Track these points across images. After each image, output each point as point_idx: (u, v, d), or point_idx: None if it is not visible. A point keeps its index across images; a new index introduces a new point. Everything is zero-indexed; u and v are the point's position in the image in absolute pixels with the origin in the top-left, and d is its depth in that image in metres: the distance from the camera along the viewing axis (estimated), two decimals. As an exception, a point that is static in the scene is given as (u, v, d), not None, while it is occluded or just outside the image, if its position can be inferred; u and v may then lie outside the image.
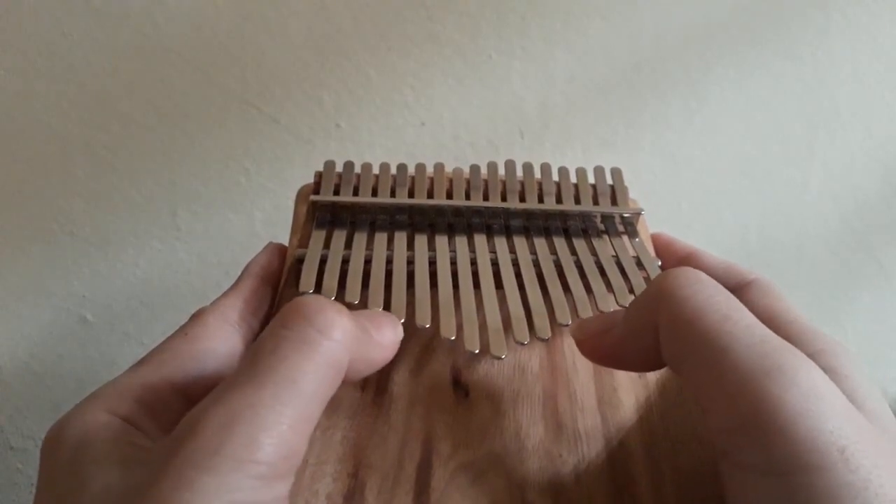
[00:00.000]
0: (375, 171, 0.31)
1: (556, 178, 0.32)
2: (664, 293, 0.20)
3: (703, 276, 0.20)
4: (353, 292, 0.26)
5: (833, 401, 0.17)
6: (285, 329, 0.18)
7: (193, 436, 0.16)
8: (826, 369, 0.20)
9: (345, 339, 0.19)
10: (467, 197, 0.31)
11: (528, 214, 0.30)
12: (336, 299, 0.25)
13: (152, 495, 0.16)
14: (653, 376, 0.25)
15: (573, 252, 0.29)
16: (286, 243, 0.30)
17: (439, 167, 0.32)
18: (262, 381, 0.17)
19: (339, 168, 0.31)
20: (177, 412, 0.22)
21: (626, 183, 0.32)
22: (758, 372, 0.17)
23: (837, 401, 0.17)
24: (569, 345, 0.26)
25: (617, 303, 0.27)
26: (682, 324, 0.19)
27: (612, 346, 0.22)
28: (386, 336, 0.22)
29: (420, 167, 0.32)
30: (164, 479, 0.16)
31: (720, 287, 0.20)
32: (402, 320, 0.24)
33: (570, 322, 0.26)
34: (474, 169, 0.32)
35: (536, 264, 0.28)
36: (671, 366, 0.20)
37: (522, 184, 0.31)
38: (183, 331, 0.24)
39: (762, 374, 0.17)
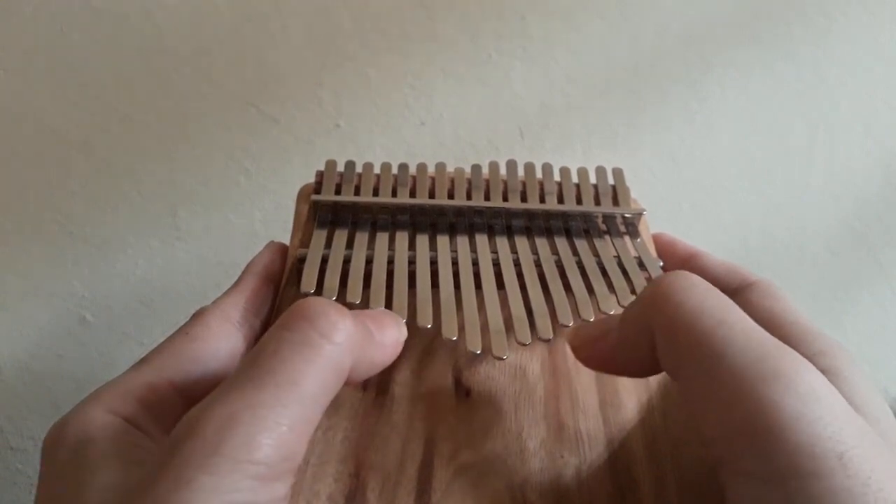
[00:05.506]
0: (377, 170, 0.31)
1: (557, 177, 0.32)
2: (658, 299, 0.19)
3: (697, 279, 0.20)
4: (355, 292, 0.26)
5: (832, 404, 0.17)
6: (287, 331, 0.18)
7: (192, 435, 0.16)
8: (826, 371, 0.20)
9: (347, 343, 0.19)
10: (469, 197, 0.31)
11: (530, 214, 0.30)
12: (337, 299, 0.25)
13: (151, 495, 0.16)
14: (654, 378, 0.25)
15: (575, 252, 0.29)
16: (287, 243, 0.30)
17: (441, 167, 0.32)
18: (263, 382, 0.17)
19: (340, 167, 0.31)
20: (178, 412, 0.21)
21: (628, 183, 0.32)
22: (755, 377, 0.17)
23: (836, 404, 0.17)
24: (570, 345, 0.26)
25: (619, 303, 0.27)
26: (677, 330, 0.19)
27: (607, 353, 0.22)
28: (389, 336, 0.22)
29: (421, 167, 0.31)
30: (162, 478, 0.16)
31: (715, 290, 0.19)
32: (405, 319, 0.24)
33: (572, 322, 0.25)
34: (476, 169, 0.32)
35: (538, 264, 0.28)
36: (668, 372, 0.20)
37: (524, 183, 0.31)
38: (184, 330, 0.24)
39: (759, 379, 0.17)
